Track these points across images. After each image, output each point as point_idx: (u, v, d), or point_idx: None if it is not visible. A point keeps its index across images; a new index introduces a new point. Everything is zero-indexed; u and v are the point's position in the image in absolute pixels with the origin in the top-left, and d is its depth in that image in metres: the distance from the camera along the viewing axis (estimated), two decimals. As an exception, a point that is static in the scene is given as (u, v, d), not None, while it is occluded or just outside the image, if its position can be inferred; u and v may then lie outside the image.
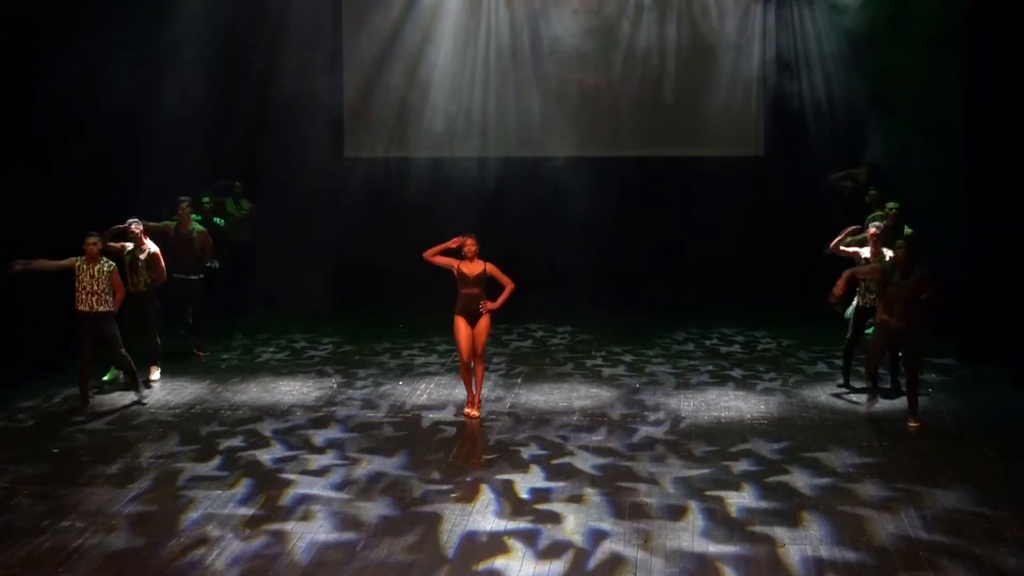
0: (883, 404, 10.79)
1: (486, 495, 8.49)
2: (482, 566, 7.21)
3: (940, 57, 13.61)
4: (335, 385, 11.87)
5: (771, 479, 8.80)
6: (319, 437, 9.99)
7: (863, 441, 9.77)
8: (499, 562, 7.27)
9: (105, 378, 11.81)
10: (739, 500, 8.34)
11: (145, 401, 10.89)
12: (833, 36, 15.49)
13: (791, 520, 7.92)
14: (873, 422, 10.29)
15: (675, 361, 12.90)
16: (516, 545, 7.53)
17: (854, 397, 11.02)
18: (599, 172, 15.82)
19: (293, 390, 11.66)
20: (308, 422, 10.47)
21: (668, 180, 16.11)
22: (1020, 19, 12.12)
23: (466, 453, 9.61)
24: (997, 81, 12.33)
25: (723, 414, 10.66)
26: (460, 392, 10.99)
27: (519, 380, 12.01)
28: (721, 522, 7.91)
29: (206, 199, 14.01)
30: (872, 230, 11.02)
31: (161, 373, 12.03)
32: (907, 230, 11.63)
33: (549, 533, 7.73)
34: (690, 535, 7.66)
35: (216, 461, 9.32)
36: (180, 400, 11.26)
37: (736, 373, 12.28)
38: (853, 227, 11.47)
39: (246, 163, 15.50)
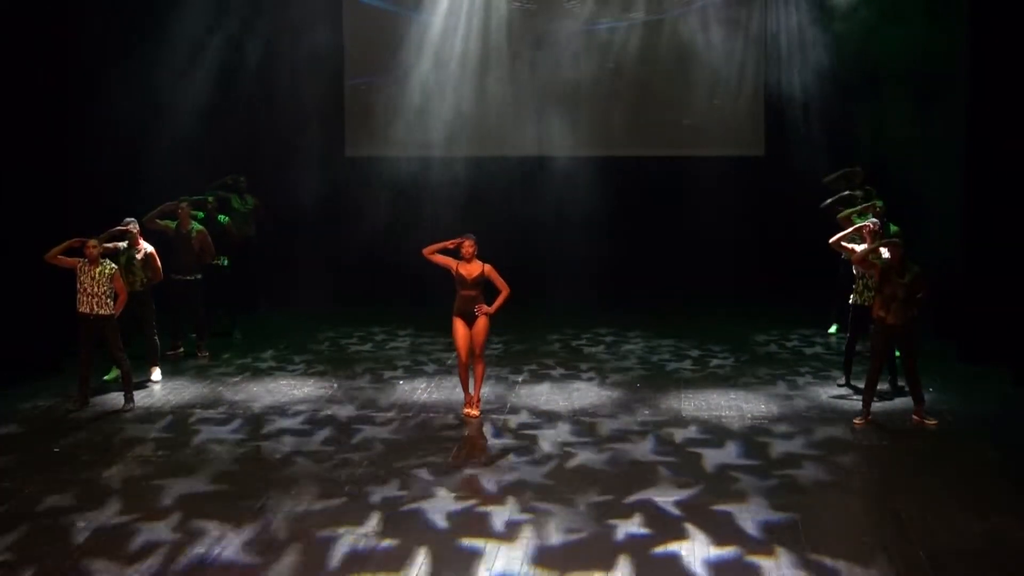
0: (883, 405, 10.77)
1: (485, 496, 8.51)
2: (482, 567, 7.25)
3: (941, 52, 13.60)
4: (335, 385, 11.87)
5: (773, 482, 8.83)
6: (317, 438, 9.98)
7: (863, 441, 9.77)
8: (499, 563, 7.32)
9: (106, 377, 11.81)
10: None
11: (131, 408, 10.85)
12: (832, 35, 15.48)
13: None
14: (874, 422, 10.27)
15: (676, 361, 12.89)
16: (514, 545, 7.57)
17: (855, 396, 11.00)
18: (599, 172, 15.81)
19: (293, 390, 11.66)
20: (307, 422, 10.47)
21: (668, 180, 16.09)
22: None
23: (465, 453, 9.61)
24: (999, 80, 12.32)
25: (724, 414, 10.66)
26: (461, 392, 10.95)
27: (519, 380, 12.01)
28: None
29: (210, 198, 14.01)
30: (869, 226, 11.00)
31: (162, 373, 12.03)
32: (892, 228, 11.61)
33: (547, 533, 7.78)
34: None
35: (214, 463, 9.34)
36: (180, 400, 11.27)
37: (736, 372, 12.27)
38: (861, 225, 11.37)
39: (247, 163, 15.49)
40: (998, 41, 12.33)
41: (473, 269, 10.37)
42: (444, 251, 10.42)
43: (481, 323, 10.42)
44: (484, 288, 10.44)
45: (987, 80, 12.48)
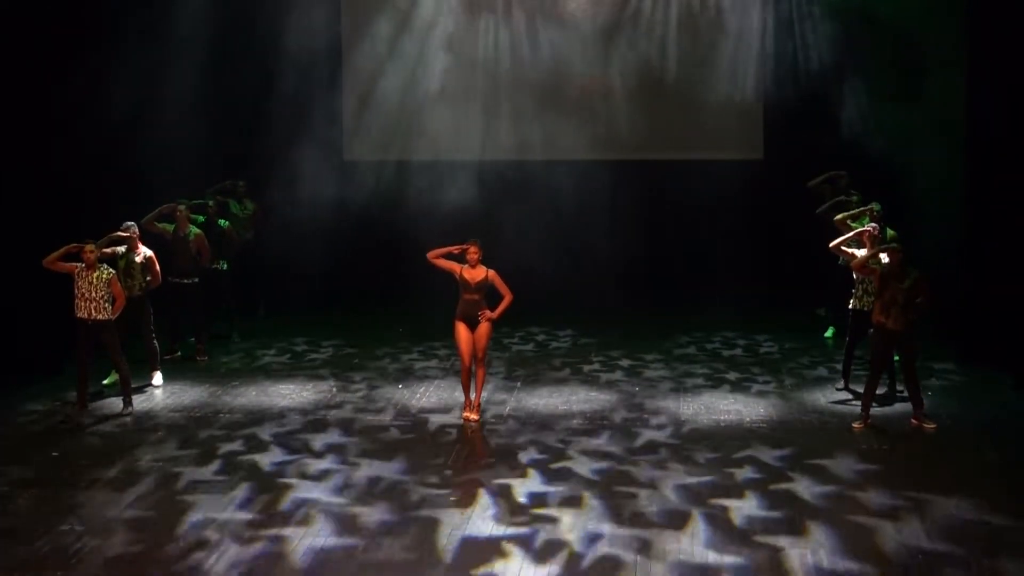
0: (882, 409, 10.78)
1: (484, 499, 8.50)
2: (481, 570, 7.23)
3: (940, 54, 13.63)
4: (333, 389, 11.87)
5: (774, 487, 8.83)
6: (317, 442, 9.97)
7: (863, 445, 9.78)
8: (498, 566, 7.30)
9: (105, 381, 11.80)
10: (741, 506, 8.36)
11: (130, 412, 10.84)
12: (831, 38, 15.49)
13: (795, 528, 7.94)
14: (873, 425, 10.28)
15: (675, 365, 12.89)
16: (513, 550, 7.56)
17: (854, 400, 11.01)
18: (598, 176, 15.80)
19: (292, 394, 11.65)
20: (306, 426, 10.46)
21: (667, 183, 16.09)
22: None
23: (465, 457, 9.61)
24: (998, 82, 12.35)
25: (723, 418, 10.66)
26: (460, 396, 10.96)
27: (519, 383, 12.01)
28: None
29: (210, 202, 14.02)
30: (869, 230, 11.00)
31: (162, 376, 12.02)
32: (890, 232, 11.64)
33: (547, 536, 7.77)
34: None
35: (215, 465, 9.34)
36: (179, 403, 11.27)
37: (735, 377, 12.27)
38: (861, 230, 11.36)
39: (247, 167, 15.49)
40: (997, 43, 12.35)
41: (477, 274, 10.37)
42: (449, 256, 10.43)
43: (483, 328, 10.43)
44: (487, 293, 10.45)
45: (986, 83, 12.50)
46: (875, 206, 11.96)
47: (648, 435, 10.11)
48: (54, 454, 9.64)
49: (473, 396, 10.64)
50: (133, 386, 11.15)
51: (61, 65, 12.91)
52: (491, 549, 7.56)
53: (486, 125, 16.33)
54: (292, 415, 10.82)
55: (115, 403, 11.12)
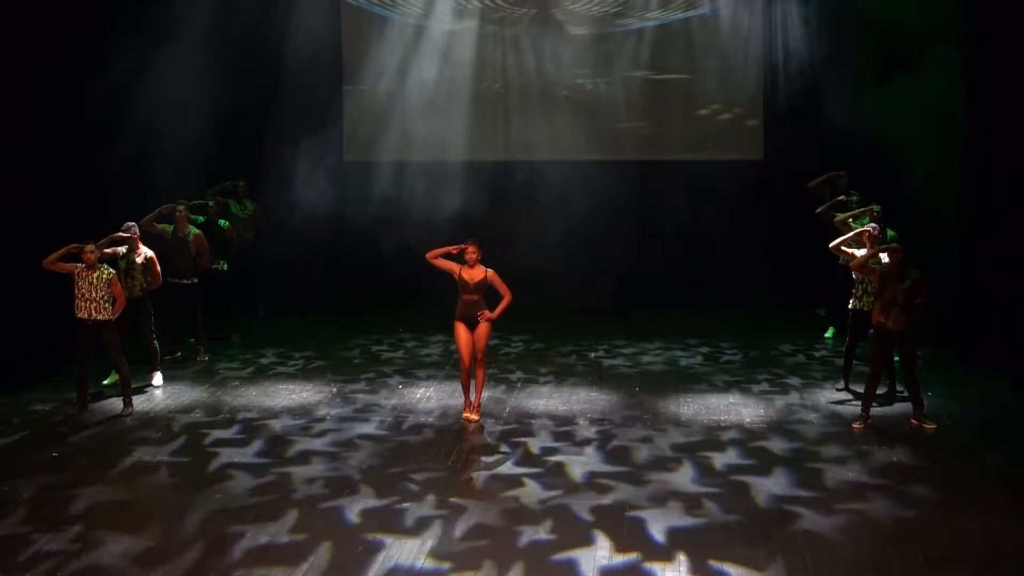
0: (882, 409, 10.79)
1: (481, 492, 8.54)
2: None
3: (939, 55, 13.62)
4: (334, 389, 11.88)
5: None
6: (318, 442, 9.99)
7: (862, 445, 9.79)
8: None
9: (105, 381, 11.82)
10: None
11: (130, 412, 10.85)
12: (830, 39, 15.48)
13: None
14: (873, 426, 10.28)
15: (674, 365, 12.91)
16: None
17: (854, 401, 11.02)
18: (598, 176, 15.81)
19: (292, 394, 11.66)
20: (306, 426, 10.47)
21: (667, 184, 16.09)
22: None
23: (465, 457, 9.63)
24: (997, 84, 12.35)
25: (723, 417, 10.68)
26: (459, 396, 10.98)
27: (518, 384, 12.02)
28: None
29: (210, 202, 14.03)
30: (869, 230, 11.00)
31: (162, 376, 12.03)
32: (890, 232, 11.64)
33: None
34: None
35: (214, 466, 9.37)
36: (179, 403, 11.28)
37: (735, 377, 12.28)
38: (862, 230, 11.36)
39: (247, 167, 15.50)
40: (997, 43, 12.35)
41: (476, 274, 10.38)
42: (447, 256, 10.44)
43: (483, 328, 10.43)
44: (486, 294, 10.46)
45: (986, 82, 12.50)
46: (875, 207, 11.97)
47: (646, 435, 10.13)
48: (54, 455, 9.64)
49: (473, 397, 10.64)
50: (133, 386, 11.17)
51: (62, 65, 12.91)
52: (491, 549, 7.60)
53: (486, 126, 16.34)
54: (292, 415, 10.81)
55: (115, 403, 11.13)
